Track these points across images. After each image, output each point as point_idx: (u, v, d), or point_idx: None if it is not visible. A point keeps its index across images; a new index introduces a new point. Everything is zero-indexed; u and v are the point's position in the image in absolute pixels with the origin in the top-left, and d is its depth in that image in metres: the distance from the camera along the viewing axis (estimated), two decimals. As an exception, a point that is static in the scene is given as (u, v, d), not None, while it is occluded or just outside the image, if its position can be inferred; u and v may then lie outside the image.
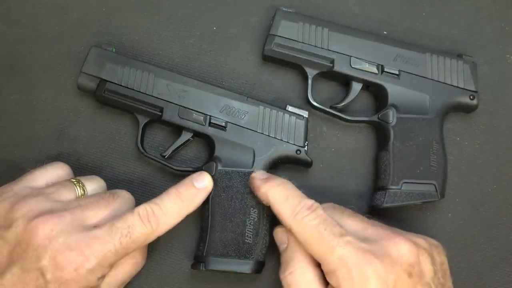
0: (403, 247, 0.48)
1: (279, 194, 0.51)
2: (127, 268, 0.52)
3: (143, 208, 0.49)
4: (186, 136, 0.58)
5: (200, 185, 0.53)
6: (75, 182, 0.52)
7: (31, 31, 0.63)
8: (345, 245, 0.47)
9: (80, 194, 0.51)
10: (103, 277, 0.48)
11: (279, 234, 0.53)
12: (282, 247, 0.52)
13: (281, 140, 0.57)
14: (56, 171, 0.53)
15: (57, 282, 0.45)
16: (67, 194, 0.51)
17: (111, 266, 0.48)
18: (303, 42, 0.60)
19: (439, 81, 0.59)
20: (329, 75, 0.61)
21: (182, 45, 0.63)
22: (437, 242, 0.52)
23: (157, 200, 0.51)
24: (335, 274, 0.47)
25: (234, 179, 0.56)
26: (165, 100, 0.57)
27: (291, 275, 0.49)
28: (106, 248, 0.46)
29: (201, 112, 0.57)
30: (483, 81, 0.62)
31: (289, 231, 0.51)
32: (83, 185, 0.52)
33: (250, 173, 0.56)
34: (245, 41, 0.64)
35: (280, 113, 0.58)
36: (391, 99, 0.59)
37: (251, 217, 0.55)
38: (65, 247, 0.45)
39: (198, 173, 0.54)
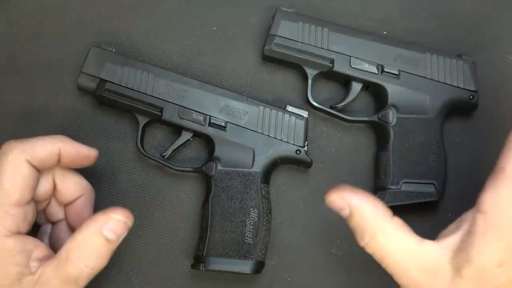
0: None
1: None
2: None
3: None
4: (186, 136, 0.58)
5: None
6: None
7: (31, 31, 0.63)
8: None
9: None
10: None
11: (336, 200, 0.46)
12: (344, 213, 0.46)
13: (281, 140, 0.57)
14: None
15: None
16: None
17: None
18: (302, 42, 0.60)
19: (439, 81, 0.59)
20: (329, 75, 0.61)
21: (182, 45, 0.63)
22: None
23: None
24: None
25: (234, 179, 0.56)
26: (165, 100, 0.57)
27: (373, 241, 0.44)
28: None
29: (201, 112, 0.57)
30: (483, 81, 0.62)
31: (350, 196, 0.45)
32: None
33: (250, 173, 0.56)
34: (245, 41, 0.64)
35: (280, 113, 0.58)
36: (391, 99, 0.59)
37: (251, 217, 0.55)
38: None
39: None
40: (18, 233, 0.46)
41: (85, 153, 0.51)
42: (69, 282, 0.46)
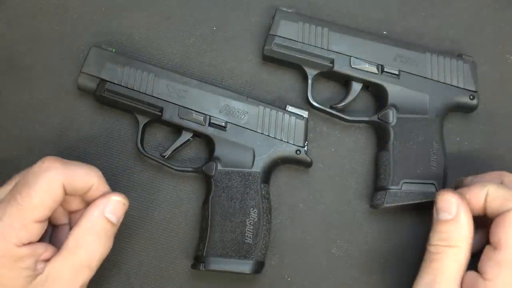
0: None
1: None
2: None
3: None
4: (186, 136, 0.58)
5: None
6: None
7: (31, 31, 0.63)
8: None
9: None
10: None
11: (450, 203, 0.49)
12: (443, 216, 0.48)
13: (281, 140, 0.57)
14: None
15: None
16: None
17: None
18: (303, 42, 0.60)
19: (439, 81, 0.59)
20: (329, 75, 0.61)
21: (182, 45, 0.63)
22: None
23: None
24: None
25: (234, 179, 0.56)
26: (165, 100, 0.57)
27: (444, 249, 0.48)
28: None
29: (201, 112, 0.57)
30: (483, 81, 0.62)
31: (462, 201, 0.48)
32: None
33: (250, 173, 0.56)
34: (245, 41, 0.64)
35: (280, 113, 0.58)
36: (391, 99, 0.59)
37: (251, 217, 0.55)
38: None
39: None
40: (30, 243, 0.47)
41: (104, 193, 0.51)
42: (83, 268, 0.47)
